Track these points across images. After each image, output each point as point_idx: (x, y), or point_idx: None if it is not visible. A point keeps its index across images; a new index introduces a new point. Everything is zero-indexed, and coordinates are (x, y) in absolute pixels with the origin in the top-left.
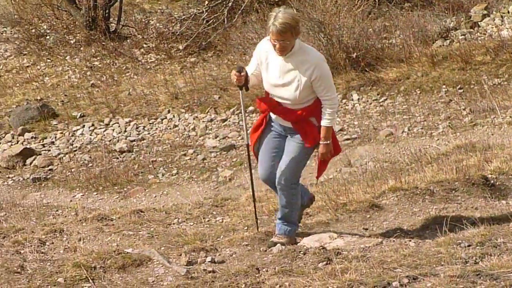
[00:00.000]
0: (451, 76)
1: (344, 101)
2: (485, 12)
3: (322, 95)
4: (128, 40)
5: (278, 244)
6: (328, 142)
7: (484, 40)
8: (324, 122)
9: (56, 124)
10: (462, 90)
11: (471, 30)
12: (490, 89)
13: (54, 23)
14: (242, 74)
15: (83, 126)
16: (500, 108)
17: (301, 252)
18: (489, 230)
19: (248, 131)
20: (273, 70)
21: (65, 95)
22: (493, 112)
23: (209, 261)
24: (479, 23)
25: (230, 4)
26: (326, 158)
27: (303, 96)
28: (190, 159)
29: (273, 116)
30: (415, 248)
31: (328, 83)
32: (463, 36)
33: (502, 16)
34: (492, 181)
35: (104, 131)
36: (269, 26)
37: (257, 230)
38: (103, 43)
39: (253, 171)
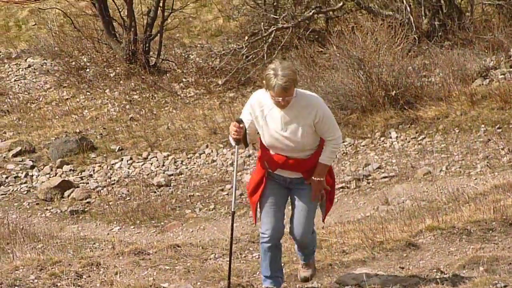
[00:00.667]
0: (490, 115)
1: (382, 139)
2: None
3: (326, 136)
4: (167, 74)
5: (314, 281)
6: (322, 179)
7: None
8: (323, 159)
9: (95, 157)
10: (501, 130)
11: (511, 69)
12: None
13: (94, 56)
14: (241, 125)
15: (122, 160)
16: None
17: None
18: None
19: (237, 195)
20: (275, 123)
21: (104, 128)
22: None
23: None
24: None
25: (270, 40)
26: (318, 195)
27: (309, 143)
28: (227, 194)
29: (277, 171)
30: None
31: (331, 122)
32: (502, 76)
33: None
34: None
35: (142, 164)
36: (271, 85)
37: None
38: (142, 76)
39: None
